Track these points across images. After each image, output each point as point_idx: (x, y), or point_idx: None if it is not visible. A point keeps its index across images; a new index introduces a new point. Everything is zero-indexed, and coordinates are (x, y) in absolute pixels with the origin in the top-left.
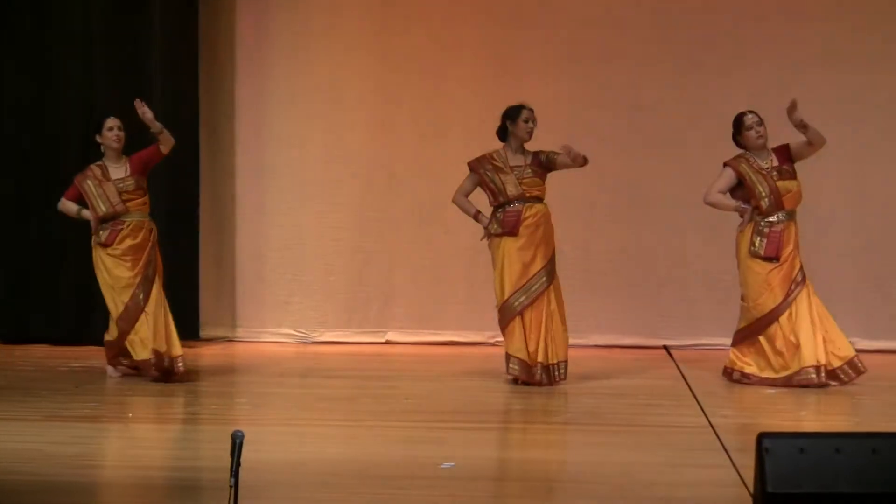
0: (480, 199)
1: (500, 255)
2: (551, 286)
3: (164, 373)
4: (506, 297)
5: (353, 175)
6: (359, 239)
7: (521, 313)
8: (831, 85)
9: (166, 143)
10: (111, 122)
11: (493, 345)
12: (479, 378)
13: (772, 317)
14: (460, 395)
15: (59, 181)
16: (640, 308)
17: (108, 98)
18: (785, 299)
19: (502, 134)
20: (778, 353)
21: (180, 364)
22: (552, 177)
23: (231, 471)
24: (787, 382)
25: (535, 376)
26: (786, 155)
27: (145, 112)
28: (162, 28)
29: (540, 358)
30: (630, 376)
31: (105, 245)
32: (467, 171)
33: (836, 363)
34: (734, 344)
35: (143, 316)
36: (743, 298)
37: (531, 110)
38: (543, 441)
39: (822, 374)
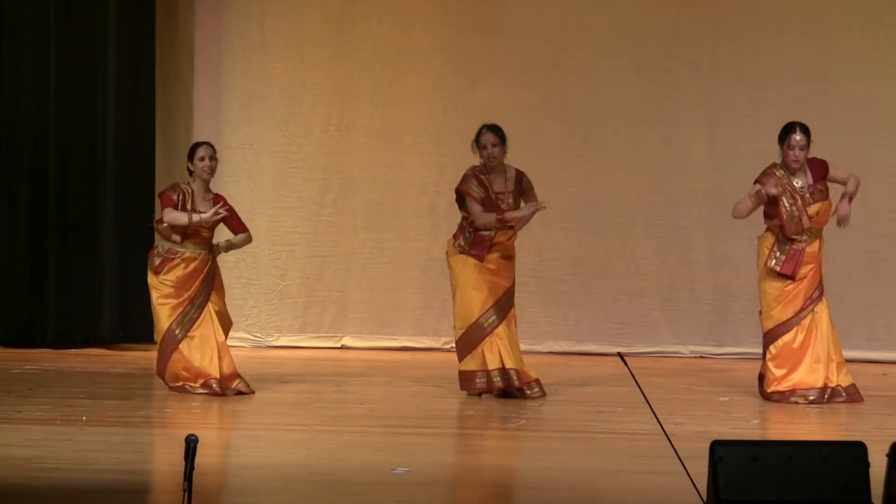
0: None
1: (464, 274)
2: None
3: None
4: (475, 318)
5: (308, 180)
6: (314, 243)
7: (491, 332)
8: (804, 98)
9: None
10: (203, 150)
11: (448, 350)
12: (433, 384)
13: (781, 330)
14: (415, 400)
15: (8, 180)
16: (594, 315)
17: (61, 97)
18: (796, 314)
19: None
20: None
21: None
22: None
23: (185, 475)
24: (782, 397)
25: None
26: (822, 172)
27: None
28: (118, 27)
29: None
30: (584, 383)
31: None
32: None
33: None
34: (764, 357)
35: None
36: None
37: (496, 134)
38: (498, 447)
39: (826, 394)
